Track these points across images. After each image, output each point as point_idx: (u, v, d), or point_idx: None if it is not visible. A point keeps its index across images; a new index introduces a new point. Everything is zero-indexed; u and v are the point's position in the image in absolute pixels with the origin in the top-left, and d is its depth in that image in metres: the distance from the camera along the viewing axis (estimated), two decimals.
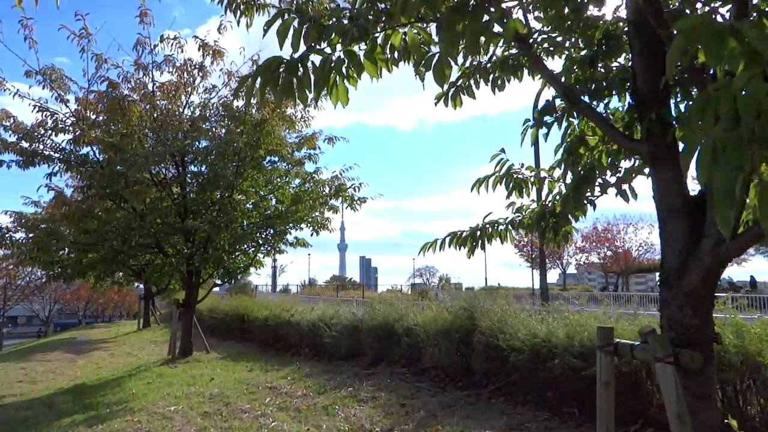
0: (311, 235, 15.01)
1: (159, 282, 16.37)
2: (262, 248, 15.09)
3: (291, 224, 14.38)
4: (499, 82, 4.70)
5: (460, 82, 4.80)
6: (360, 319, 11.97)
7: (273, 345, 15.11)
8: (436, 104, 4.98)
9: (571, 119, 4.40)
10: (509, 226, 5.24)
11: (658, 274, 4.79)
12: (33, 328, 57.85)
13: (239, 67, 14.03)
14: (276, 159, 14.32)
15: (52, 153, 12.42)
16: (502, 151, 5.40)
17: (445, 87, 4.59)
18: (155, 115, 12.68)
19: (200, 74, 13.80)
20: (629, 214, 43.67)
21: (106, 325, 37.78)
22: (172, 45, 13.43)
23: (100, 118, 12.58)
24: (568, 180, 4.56)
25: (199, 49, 13.58)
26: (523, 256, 52.59)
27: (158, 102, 12.77)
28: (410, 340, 10.29)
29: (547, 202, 5.02)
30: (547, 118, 4.23)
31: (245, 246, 13.94)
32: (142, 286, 27.66)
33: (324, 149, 14.36)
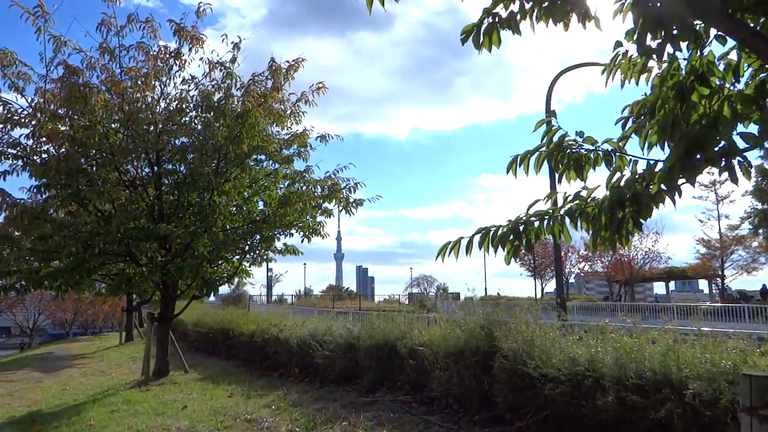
0: (302, 241, 13.50)
1: (132, 293, 14.61)
2: (247, 256, 13.55)
3: (279, 229, 12.85)
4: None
5: (499, 8, 3.29)
6: (356, 336, 10.39)
7: (260, 364, 13.49)
8: (463, 42, 3.46)
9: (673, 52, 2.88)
10: (566, 218, 3.74)
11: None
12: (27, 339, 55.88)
13: (221, 56, 12.53)
14: (262, 157, 12.80)
15: (5, 149, 10.85)
16: (553, 114, 3.90)
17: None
18: (125, 106, 11.12)
19: (176, 63, 12.29)
20: (661, 217, 42.12)
21: (92, 338, 36.02)
22: (144, 29, 11.93)
23: (62, 110, 11.03)
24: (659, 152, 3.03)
25: (174, 35, 12.08)
26: (523, 265, 51.12)
27: (128, 91, 11.21)
28: (415, 362, 8.72)
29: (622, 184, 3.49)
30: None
31: (228, 254, 12.37)
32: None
33: (317, 149, 12.88)
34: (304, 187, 13.06)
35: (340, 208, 13.11)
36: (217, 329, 16.71)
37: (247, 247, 12.87)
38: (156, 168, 12.34)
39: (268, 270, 78.78)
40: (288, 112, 13.11)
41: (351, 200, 13.02)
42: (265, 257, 14.07)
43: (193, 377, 12.89)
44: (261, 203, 13.65)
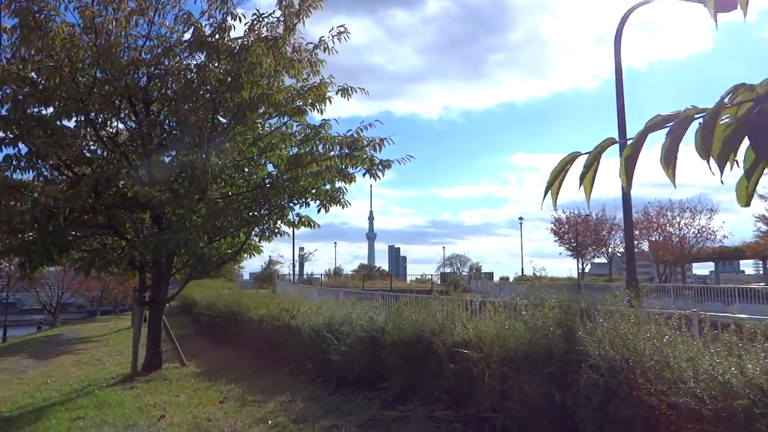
0: (318, 211, 11.27)
1: (109, 272, 12.53)
2: (255, 229, 11.37)
3: (290, 196, 10.62)
4: None
5: None
6: (380, 327, 8.16)
7: (270, 355, 11.37)
8: None
9: None
10: None
11: None
12: (72, 315, 55.13)
13: None
14: (269, 111, 10.54)
15: None
16: None
17: None
18: (97, 40, 8.95)
19: None
20: (687, 199, 38.86)
21: (111, 318, 34.67)
22: None
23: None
24: None
25: None
26: (563, 245, 48.18)
27: (98, 18, 9.00)
28: (458, 366, 6.44)
29: None
30: None
31: (229, 225, 10.19)
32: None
33: (339, 109, 10.76)
34: (321, 147, 10.76)
35: (363, 170, 10.82)
36: (226, 313, 14.68)
37: (250, 217, 10.68)
38: (144, 121, 10.18)
39: (301, 249, 77.34)
40: (304, 58, 10.81)
41: (376, 161, 10.72)
42: (277, 230, 11.89)
43: (188, 372, 10.85)
44: (270, 166, 11.46)
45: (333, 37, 10.99)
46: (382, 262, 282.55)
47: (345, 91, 11.14)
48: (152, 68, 10.05)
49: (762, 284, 48.36)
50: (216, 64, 9.49)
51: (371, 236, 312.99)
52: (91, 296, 49.96)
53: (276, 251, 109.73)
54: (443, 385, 6.79)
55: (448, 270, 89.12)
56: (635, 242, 45.99)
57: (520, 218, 56.92)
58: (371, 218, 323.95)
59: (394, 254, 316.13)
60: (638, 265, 59.26)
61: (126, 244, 9.67)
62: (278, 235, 11.88)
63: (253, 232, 11.66)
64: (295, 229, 11.86)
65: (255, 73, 9.41)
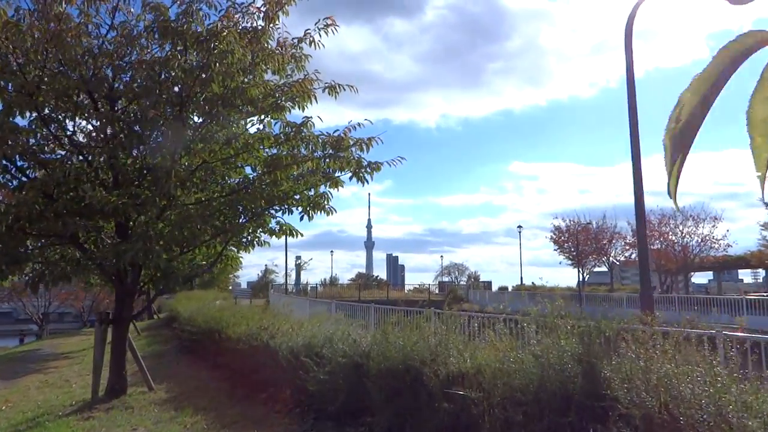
0: (301, 218, 10.24)
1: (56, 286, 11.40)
2: (233, 237, 10.32)
3: (268, 202, 9.59)
4: None
5: None
6: (365, 352, 7.09)
7: (247, 379, 10.28)
8: None
9: None
10: None
11: None
12: (68, 326, 53.73)
13: None
14: (245, 107, 9.50)
15: None
16: None
17: None
18: (48, 25, 7.92)
19: None
20: (689, 206, 37.79)
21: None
22: None
23: None
24: None
25: None
26: (563, 253, 47.05)
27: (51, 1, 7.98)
28: (452, 406, 5.37)
29: None
30: None
31: (199, 234, 9.11)
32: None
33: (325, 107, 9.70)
34: (303, 148, 9.72)
35: (350, 173, 9.79)
36: (205, 330, 13.58)
37: (228, 226, 9.62)
38: (103, 119, 9.13)
39: (297, 258, 76.14)
40: (288, 51, 9.80)
41: (364, 163, 9.69)
42: (257, 240, 10.85)
43: (155, 398, 9.75)
44: (249, 168, 10.44)
45: (320, 30, 9.98)
46: (381, 271, 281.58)
47: (332, 89, 10.11)
48: (116, 60, 9.04)
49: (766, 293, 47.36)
50: (183, 54, 8.46)
51: (369, 245, 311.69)
52: (80, 306, 48.68)
53: (273, 260, 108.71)
54: (437, 422, 5.72)
55: (446, 279, 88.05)
56: (633, 252, 45.07)
57: (519, 227, 55.86)
58: (369, 226, 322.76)
59: (393, 263, 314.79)
60: (635, 274, 58.03)
61: (81, 257, 8.61)
62: (258, 245, 10.82)
63: (232, 242, 10.61)
64: (277, 238, 10.80)
65: (227, 63, 8.39)
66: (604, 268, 52.19)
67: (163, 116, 8.59)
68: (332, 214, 10.24)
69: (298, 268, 77.88)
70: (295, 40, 9.92)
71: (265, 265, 78.89)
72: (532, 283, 57.95)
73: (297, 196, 9.97)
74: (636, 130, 10.39)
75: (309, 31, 10.01)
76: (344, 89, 10.26)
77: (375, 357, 6.73)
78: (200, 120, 9.16)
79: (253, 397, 9.30)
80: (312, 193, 10.11)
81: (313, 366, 7.68)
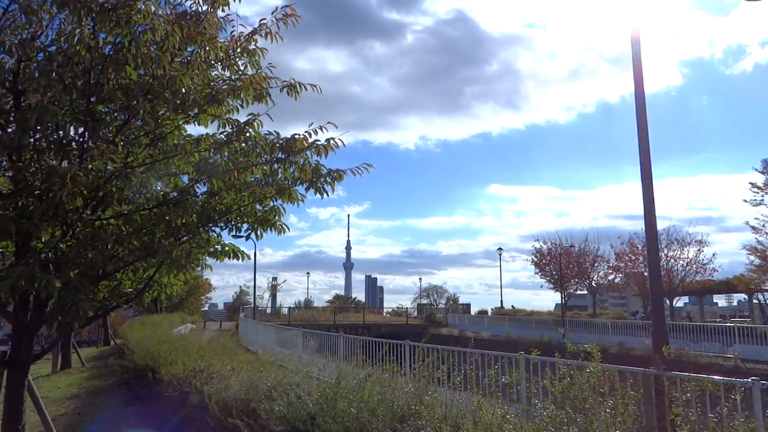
0: (247, 237, 8.47)
1: None
2: (164, 260, 8.43)
3: (204, 217, 7.81)
4: None
5: None
6: (310, 414, 5.29)
7: (183, 429, 8.42)
8: None
9: None
10: None
11: None
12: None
13: None
14: (172, 99, 7.70)
15: None
16: None
17: None
18: None
19: None
20: (674, 228, 36.55)
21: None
22: None
23: None
24: None
25: None
26: (544, 276, 45.60)
27: None
28: None
29: None
30: None
31: (106, 255, 7.25)
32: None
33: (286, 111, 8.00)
34: (248, 152, 7.97)
35: (305, 185, 8.05)
36: (141, 367, 11.65)
37: (155, 246, 7.77)
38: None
39: (274, 279, 73.74)
40: (236, 40, 8.09)
41: (323, 171, 7.96)
42: (197, 261, 9.04)
43: None
44: (186, 178, 8.64)
45: (278, 20, 8.30)
46: (359, 292, 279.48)
47: (292, 88, 8.37)
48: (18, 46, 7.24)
49: (748, 319, 46.23)
50: (92, 30, 6.71)
51: (348, 266, 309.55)
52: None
53: (250, 281, 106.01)
54: None
55: (425, 301, 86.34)
56: (616, 275, 43.74)
57: (499, 249, 54.53)
58: (348, 248, 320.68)
59: (371, 284, 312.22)
60: (614, 297, 57.28)
61: None
62: (197, 267, 8.99)
63: (165, 266, 8.76)
64: (218, 261, 9.00)
65: (146, 42, 6.67)
66: (582, 291, 50.92)
67: (67, 107, 6.81)
68: (284, 232, 8.47)
69: (273, 289, 75.50)
70: (249, 32, 8.23)
71: (240, 287, 76.33)
72: (512, 306, 56.38)
73: (241, 210, 8.21)
74: (646, 148, 8.89)
75: (264, 21, 8.31)
76: (305, 89, 8.52)
77: (323, 425, 4.94)
78: (117, 114, 7.37)
79: None
80: (260, 207, 8.36)
81: (246, 430, 5.87)
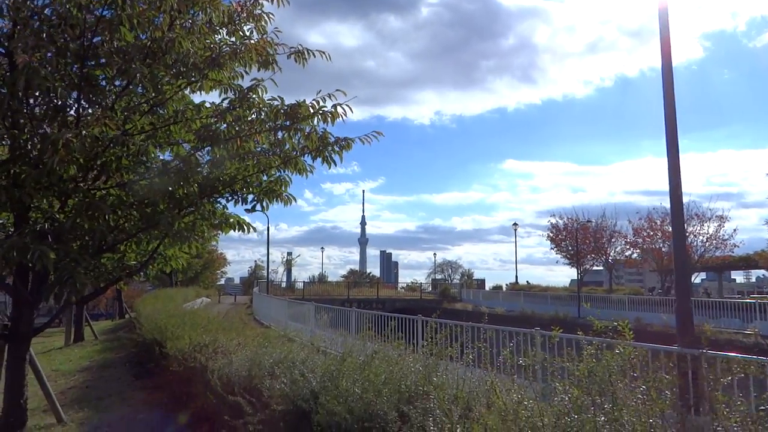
0: (253, 208, 8.19)
1: None
2: (167, 232, 8.15)
3: (207, 188, 7.51)
4: None
5: None
6: (313, 391, 5.00)
7: (183, 410, 8.22)
8: None
9: None
10: None
11: None
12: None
13: None
14: (172, 62, 7.34)
15: None
16: None
17: None
18: None
19: None
20: (694, 203, 35.78)
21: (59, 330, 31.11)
22: None
23: None
24: None
25: None
26: (560, 252, 45.07)
27: None
28: None
29: None
30: None
31: (105, 226, 6.98)
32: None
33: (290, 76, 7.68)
34: (253, 118, 7.60)
35: (312, 155, 7.70)
36: (149, 341, 11.49)
37: (156, 218, 7.48)
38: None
39: (288, 254, 73.86)
40: (243, 13, 7.68)
41: (330, 140, 7.59)
42: (202, 233, 8.76)
43: None
44: (188, 146, 8.31)
45: None
46: (374, 267, 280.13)
47: (299, 55, 7.97)
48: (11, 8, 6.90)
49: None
50: None
51: (363, 241, 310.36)
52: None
53: (265, 255, 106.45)
54: None
55: (439, 276, 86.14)
56: (633, 251, 43.06)
57: (515, 224, 53.82)
58: (363, 223, 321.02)
59: (386, 259, 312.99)
60: (631, 273, 56.38)
61: None
62: (202, 237, 8.73)
63: (170, 237, 8.48)
64: (223, 233, 8.76)
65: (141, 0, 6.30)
66: (598, 267, 50.32)
67: (63, 72, 6.48)
68: (291, 203, 8.16)
69: (288, 264, 75.73)
70: None
71: (255, 262, 76.50)
72: (527, 282, 55.90)
73: (246, 181, 7.90)
74: (673, 120, 8.42)
75: None
76: (313, 55, 8.11)
77: (326, 403, 4.64)
78: (116, 80, 7.04)
79: None
80: (266, 178, 8.05)
81: (248, 408, 5.60)
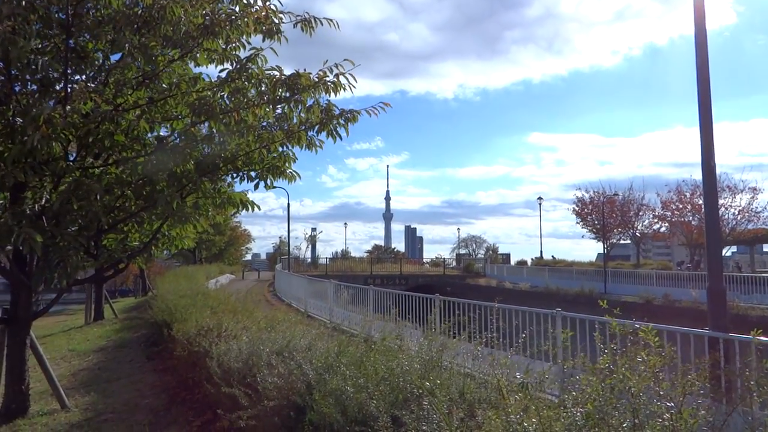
0: (256, 186, 7.77)
1: None
2: (167, 213, 7.80)
3: (207, 165, 7.11)
4: None
5: None
6: (309, 384, 4.61)
7: (187, 395, 7.95)
8: None
9: None
10: None
11: None
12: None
13: None
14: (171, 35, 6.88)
15: None
16: None
17: None
18: None
19: None
20: (726, 175, 34.54)
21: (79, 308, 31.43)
22: None
23: None
24: None
25: None
26: (586, 226, 44.09)
27: None
28: None
29: None
30: None
31: (97, 205, 6.63)
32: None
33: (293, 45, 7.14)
34: (253, 91, 7.14)
35: (313, 128, 7.24)
36: (159, 322, 11.26)
37: (154, 196, 7.11)
38: None
39: (313, 230, 73.88)
40: None
41: (335, 112, 7.11)
42: (204, 212, 8.41)
43: (63, 421, 7.39)
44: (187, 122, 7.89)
45: None
46: (399, 243, 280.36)
47: (306, 24, 7.47)
48: None
49: None
50: None
51: (387, 216, 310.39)
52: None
53: (292, 231, 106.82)
54: None
55: (463, 251, 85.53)
56: (661, 225, 41.86)
57: (539, 198, 52.76)
58: (387, 198, 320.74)
59: (411, 234, 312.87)
60: (659, 247, 54.95)
61: None
62: (205, 216, 8.37)
63: (175, 215, 8.12)
64: (226, 212, 8.38)
65: None
66: (625, 241, 49.25)
67: (51, 45, 6.10)
68: (295, 180, 7.73)
69: (312, 240, 75.70)
70: None
71: (279, 238, 76.92)
72: (552, 256, 54.98)
73: (249, 156, 7.48)
74: (707, 86, 7.74)
75: None
76: (320, 23, 7.61)
77: (321, 401, 4.24)
78: (105, 51, 6.63)
79: (188, 423, 6.94)
80: (266, 153, 7.61)
81: (244, 401, 5.24)
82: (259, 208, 8.23)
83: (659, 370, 2.59)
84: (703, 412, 2.49)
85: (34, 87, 6.62)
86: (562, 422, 2.72)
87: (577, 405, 2.70)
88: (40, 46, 6.06)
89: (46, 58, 6.03)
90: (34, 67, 5.77)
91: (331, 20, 7.65)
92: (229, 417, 5.24)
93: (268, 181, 7.78)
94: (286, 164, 7.65)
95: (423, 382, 3.53)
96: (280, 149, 7.63)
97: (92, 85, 6.39)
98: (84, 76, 6.84)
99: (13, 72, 6.04)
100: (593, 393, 2.56)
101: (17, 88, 6.68)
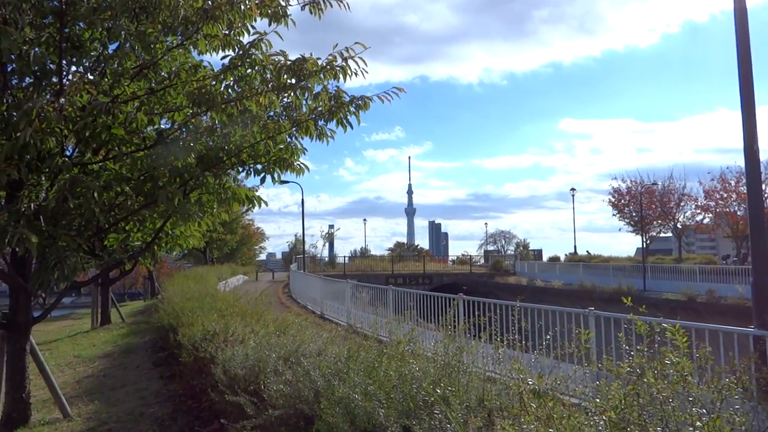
0: (262, 180, 7.76)
1: None
2: (168, 210, 7.82)
3: (209, 158, 7.12)
4: None
5: None
6: (317, 392, 4.58)
7: (194, 403, 8.00)
8: None
9: None
10: None
11: None
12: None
13: None
14: (169, 21, 6.89)
15: None
16: None
17: None
18: None
19: None
20: (765, 161, 33.61)
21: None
22: None
23: None
24: None
25: None
26: (623, 219, 43.58)
27: None
28: None
29: None
30: None
31: (92, 202, 6.67)
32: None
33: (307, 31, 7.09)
34: (257, 80, 7.12)
35: (325, 117, 7.20)
36: (166, 326, 11.34)
37: (154, 192, 7.14)
38: None
39: (330, 227, 74.22)
40: None
41: (344, 100, 7.07)
42: (210, 209, 8.41)
43: (65, 430, 7.50)
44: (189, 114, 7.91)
45: None
46: (422, 239, 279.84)
47: (315, 6, 7.45)
48: None
49: None
50: None
51: (410, 211, 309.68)
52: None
53: (308, 228, 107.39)
54: None
55: (491, 247, 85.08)
56: (705, 216, 41.12)
57: (572, 189, 52.20)
58: (410, 192, 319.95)
59: (435, 230, 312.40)
60: (703, 240, 54.06)
61: None
62: (207, 213, 8.39)
63: (177, 214, 8.15)
64: (231, 208, 8.37)
65: None
66: (666, 234, 48.61)
67: (47, 36, 6.14)
68: (303, 173, 7.71)
69: (330, 237, 75.96)
70: None
71: (294, 236, 77.19)
72: (587, 252, 54.42)
73: (254, 148, 7.47)
74: (748, 66, 7.55)
75: None
76: (330, 5, 7.58)
77: (329, 410, 4.20)
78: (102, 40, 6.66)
79: None
80: (271, 145, 7.59)
81: (249, 410, 5.23)
82: (267, 204, 8.22)
83: (687, 374, 2.50)
84: (739, 418, 2.40)
85: (30, 79, 6.69)
86: None
87: (603, 413, 2.62)
88: (33, 36, 6.09)
89: (40, 50, 6.07)
90: (27, 58, 5.81)
91: (341, 1, 7.63)
92: (235, 427, 5.24)
93: (275, 175, 7.75)
94: (294, 156, 7.62)
95: (434, 389, 3.47)
96: (288, 140, 7.60)
97: (90, 77, 6.42)
98: (81, 67, 6.88)
99: (6, 65, 6.10)
100: (617, 399, 2.48)
101: (13, 81, 6.79)
